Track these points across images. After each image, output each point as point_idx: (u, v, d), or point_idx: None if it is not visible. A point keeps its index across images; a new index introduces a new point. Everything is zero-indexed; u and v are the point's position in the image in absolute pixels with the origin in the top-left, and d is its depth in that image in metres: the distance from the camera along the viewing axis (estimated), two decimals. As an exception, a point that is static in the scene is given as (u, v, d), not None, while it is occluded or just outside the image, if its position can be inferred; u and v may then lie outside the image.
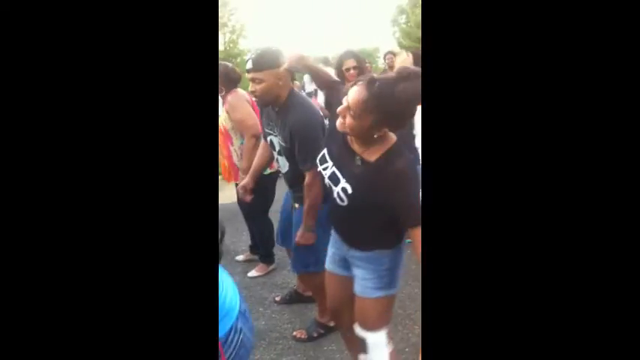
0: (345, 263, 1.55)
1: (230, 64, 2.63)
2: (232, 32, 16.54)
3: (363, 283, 1.43)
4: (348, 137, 1.36)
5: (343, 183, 1.35)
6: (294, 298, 2.53)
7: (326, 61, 4.20)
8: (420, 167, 1.35)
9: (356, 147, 1.34)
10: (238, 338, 0.93)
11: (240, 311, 0.95)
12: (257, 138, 2.40)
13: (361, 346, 1.52)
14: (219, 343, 0.88)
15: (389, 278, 1.41)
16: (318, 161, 1.46)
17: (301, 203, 1.92)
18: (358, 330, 1.50)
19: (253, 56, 1.78)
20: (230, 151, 2.60)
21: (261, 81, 1.77)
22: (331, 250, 1.63)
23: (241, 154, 2.56)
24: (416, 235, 1.21)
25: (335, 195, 1.38)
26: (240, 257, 3.04)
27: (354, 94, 1.20)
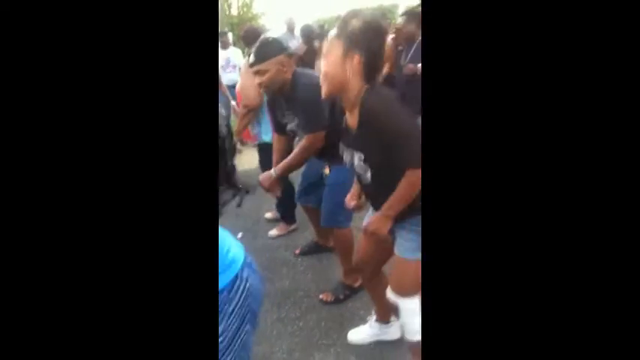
0: None
1: (253, 26, 2.87)
2: (246, -5, 16.21)
3: (406, 244, 1.40)
4: (346, 115, 1.39)
5: (355, 152, 1.38)
6: (313, 249, 2.62)
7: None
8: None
9: (348, 117, 1.38)
10: (244, 286, 0.94)
11: (245, 262, 0.97)
12: (248, 109, 2.58)
13: (394, 310, 1.53)
14: (225, 291, 0.90)
15: None
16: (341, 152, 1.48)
17: (332, 165, 2.00)
18: (391, 295, 1.48)
19: (253, 50, 1.86)
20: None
21: (265, 71, 1.83)
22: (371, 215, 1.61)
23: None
24: (411, 177, 1.24)
25: (360, 172, 1.41)
26: (268, 215, 3.13)
27: (331, 49, 1.27)
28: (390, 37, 3.73)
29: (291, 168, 1.98)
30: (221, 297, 0.91)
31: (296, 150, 1.96)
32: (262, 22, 14.26)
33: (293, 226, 2.94)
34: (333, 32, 1.30)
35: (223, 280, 0.91)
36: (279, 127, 2.16)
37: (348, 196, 1.66)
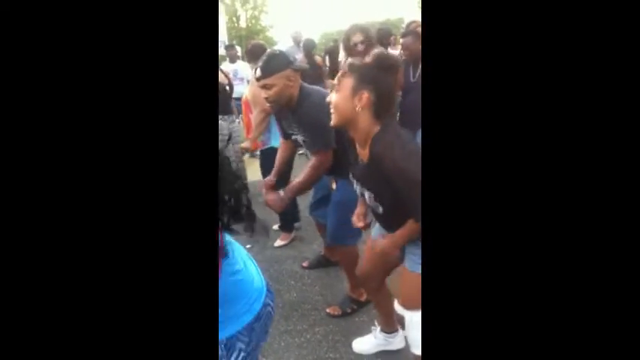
0: None
1: (260, 42, 2.95)
2: (254, 8, 16.41)
3: (415, 258, 1.41)
4: (356, 145, 1.38)
5: (365, 191, 1.40)
6: (321, 263, 2.64)
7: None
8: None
9: (359, 150, 1.37)
10: (266, 311, 1.02)
11: (267, 288, 1.03)
12: (266, 113, 2.61)
13: (400, 323, 1.54)
14: (254, 319, 0.97)
15: None
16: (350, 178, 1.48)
17: (338, 180, 1.99)
18: (398, 308, 1.50)
19: (260, 64, 1.83)
20: (250, 119, 2.89)
21: (272, 86, 1.81)
22: (379, 229, 1.62)
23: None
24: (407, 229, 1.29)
25: (373, 207, 1.43)
26: (275, 226, 3.15)
27: (342, 82, 1.27)
28: (397, 52, 3.76)
29: (300, 190, 1.96)
30: (250, 326, 0.96)
31: (306, 171, 1.92)
32: (270, 34, 14.43)
33: (293, 234, 3.02)
34: (344, 62, 1.33)
35: (253, 311, 0.97)
36: (285, 135, 2.17)
37: (355, 217, 1.63)
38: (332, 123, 1.34)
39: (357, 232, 2.06)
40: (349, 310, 2.18)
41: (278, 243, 2.97)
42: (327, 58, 4.92)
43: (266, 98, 1.89)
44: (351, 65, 1.27)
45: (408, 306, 1.46)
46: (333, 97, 1.31)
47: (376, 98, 1.24)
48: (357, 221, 1.60)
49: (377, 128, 1.27)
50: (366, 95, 1.23)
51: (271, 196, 1.99)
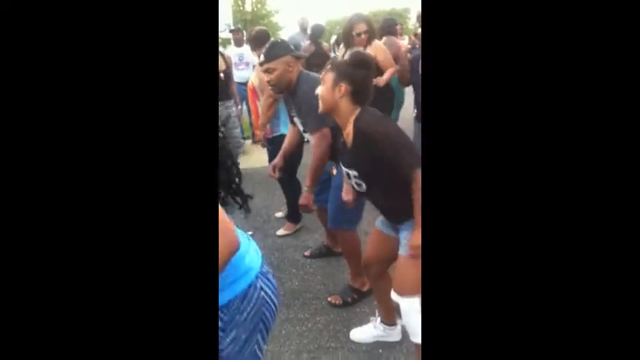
0: (394, 225, 1.63)
1: (263, 28, 3.02)
2: (260, -8, 16.21)
3: (406, 243, 1.48)
4: (342, 130, 1.57)
5: (350, 170, 1.56)
6: (323, 252, 2.65)
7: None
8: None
9: (343, 133, 1.57)
10: (258, 295, 0.95)
11: (261, 271, 0.97)
12: (274, 99, 2.66)
13: (397, 311, 1.56)
14: (237, 300, 0.91)
15: None
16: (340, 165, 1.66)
17: (338, 167, 2.01)
18: (394, 296, 1.54)
19: (264, 50, 2.06)
20: (257, 106, 2.86)
21: (273, 70, 2.02)
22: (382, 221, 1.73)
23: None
24: (416, 178, 1.36)
25: (355, 186, 1.59)
26: (279, 214, 3.14)
27: (326, 77, 1.53)
28: (403, 41, 3.72)
29: (315, 175, 2.04)
30: (233, 305, 0.91)
31: (312, 155, 2.03)
32: (275, 19, 14.29)
33: (299, 225, 2.98)
34: (344, 43, 1.51)
35: (236, 289, 0.92)
36: (291, 119, 2.29)
37: (344, 192, 1.78)
38: (319, 110, 1.58)
39: (356, 218, 2.17)
40: (350, 300, 2.19)
41: (281, 232, 2.95)
42: (335, 46, 4.87)
43: (268, 81, 2.09)
44: (332, 62, 1.58)
45: (401, 292, 1.51)
46: (319, 90, 1.56)
47: (353, 89, 1.49)
48: (345, 195, 1.77)
49: (357, 111, 1.51)
50: (344, 87, 1.49)
51: (301, 199, 2.06)
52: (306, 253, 2.67)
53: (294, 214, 2.94)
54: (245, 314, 0.93)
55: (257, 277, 0.96)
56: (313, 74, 2.13)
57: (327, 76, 1.53)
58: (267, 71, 2.04)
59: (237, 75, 5.19)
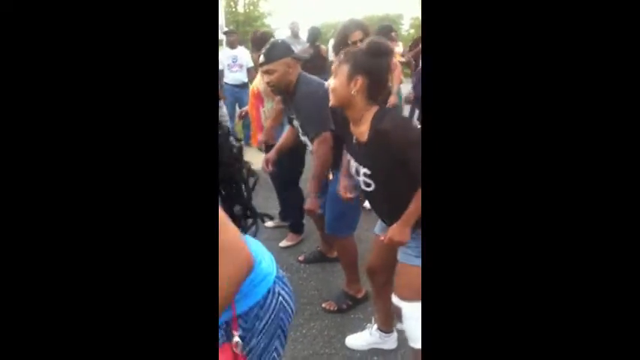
0: None
1: (267, 30, 2.92)
2: (252, -6, 16.18)
3: (406, 250, 1.46)
4: (350, 125, 1.49)
5: (361, 168, 1.47)
6: (317, 258, 2.64)
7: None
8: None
9: (353, 129, 1.48)
10: (277, 302, 0.92)
11: (277, 276, 0.95)
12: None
13: (397, 315, 1.55)
14: (257, 306, 0.88)
15: None
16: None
17: (335, 172, 2.03)
18: (395, 299, 1.52)
19: (264, 51, 2.02)
20: (260, 112, 2.78)
21: (273, 71, 1.99)
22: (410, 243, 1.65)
23: (269, 116, 2.76)
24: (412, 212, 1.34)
25: (362, 185, 1.51)
26: (269, 224, 3.05)
27: (339, 69, 1.40)
28: (398, 48, 3.75)
29: (318, 180, 2.02)
30: (252, 312, 0.88)
31: (314, 161, 2.03)
32: (268, 21, 14.26)
33: (302, 236, 2.91)
34: (339, 52, 1.43)
35: (256, 295, 0.88)
36: (289, 120, 2.28)
37: (342, 189, 1.72)
38: (330, 104, 1.47)
39: (353, 223, 2.15)
40: (344, 306, 2.19)
41: (284, 243, 2.86)
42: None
43: (267, 82, 2.06)
44: (346, 53, 1.42)
45: (404, 296, 1.49)
46: (331, 82, 1.44)
47: (370, 82, 1.37)
48: (343, 193, 1.71)
49: (374, 108, 1.41)
50: (360, 80, 1.37)
51: (307, 204, 2.07)
52: (300, 258, 2.66)
53: (297, 225, 2.87)
54: (264, 321, 0.90)
55: (275, 282, 0.93)
56: (312, 77, 2.11)
57: (342, 68, 1.40)
58: (266, 72, 2.01)
59: (231, 77, 5.17)
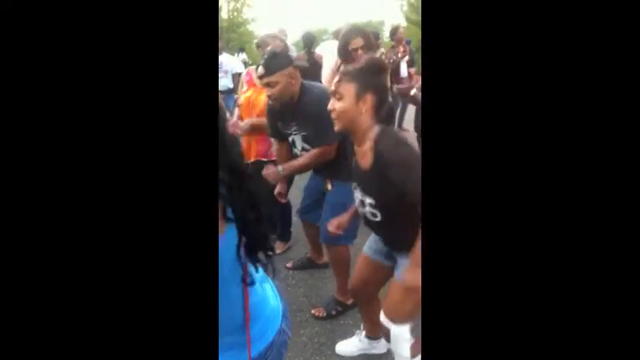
0: (389, 254, 1.55)
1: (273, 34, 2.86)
2: (236, 0, 16.18)
3: (404, 271, 1.41)
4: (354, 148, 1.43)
5: (366, 198, 1.40)
6: (305, 265, 2.61)
7: (337, 35, 4.08)
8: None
9: (356, 150, 1.42)
10: (282, 340, 0.94)
11: (283, 314, 0.96)
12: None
13: (385, 335, 1.54)
14: (267, 350, 0.89)
15: None
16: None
17: (334, 183, 2.00)
18: (384, 319, 1.49)
19: (262, 62, 1.85)
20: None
21: (275, 83, 1.84)
22: (373, 242, 1.63)
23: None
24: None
25: (369, 216, 1.43)
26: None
27: (344, 89, 1.34)
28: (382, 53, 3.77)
29: (297, 169, 1.99)
30: (263, 354, 0.88)
31: (306, 155, 1.96)
32: (251, 28, 14.26)
33: (289, 244, 2.90)
34: (338, 66, 1.39)
35: (268, 337, 0.89)
36: (280, 135, 2.16)
37: (335, 223, 1.64)
38: (336, 128, 1.40)
39: (353, 232, 2.07)
40: (334, 312, 2.18)
41: None
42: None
43: (269, 96, 1.91)
44: (348, 72, 1.36)
45: (391, 317, 1.46)
46: (336, 105, 1.36)
47: (378, 100, 1.34)
48: (333, 228, 1.63)
49: (376, 128, 1.34)
50: (369, 98, 1.32)
51: (270, 169, 1.99)
52: (289, 265, 2.65)
53: (284, 234, 2.87)
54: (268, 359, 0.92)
55: (281, 322, 0.94)
56: (315, 83, 2.02)
57: (347, 88, 1.33)
58: (267, 85, 1.86)
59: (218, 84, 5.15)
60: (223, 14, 14.76)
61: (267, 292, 0.95)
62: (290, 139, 2.08)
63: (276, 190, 2.26)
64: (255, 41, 2.61)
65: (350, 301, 2.19)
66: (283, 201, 2.34)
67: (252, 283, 0.85)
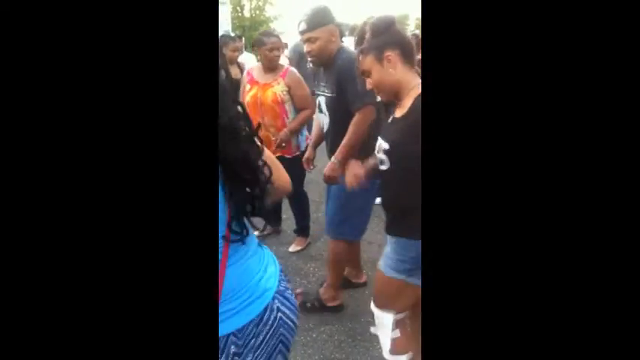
0: (397, 262, 1.42)
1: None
2: (258, -1, 16.25)
3: (385, 259, 1.42)
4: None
5: (383, 143, 1.35)
6: (316, 308, 2.23)
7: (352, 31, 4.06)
8: None
9: (397, 106, 1.38)
10: (275, 317, 0.92)
11: (277, 290, 0.94)
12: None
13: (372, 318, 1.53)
14: (252, 324, 0.89)
15: (410, 265, 1.33)
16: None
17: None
18: (372, 305, 1.50)
19: (305, 17, 1.82)
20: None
21: (316, 39, 1.81)
22: (391, 254, 1.49)
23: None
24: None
25: (378, 162, 1.40)
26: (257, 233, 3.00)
27: (367, 65, 1.32)
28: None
29: (351, 151, 1.81)
30: (247, 330, 0.89)
31: (351, 129, 1.82)
32: (274, 25, 14.30)
33: (309, 240, 2.88)
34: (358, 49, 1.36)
35: (250, 313, 0.89)
36: (315, 94, 2.11)
37: (350, 175, 1.52)
38: (384, 100, 1.38)
39: (360, 227, 2.02)
40: (309, 305, 2.15)
41: (293, 248, 2.82)
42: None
43: (308, 52, 1.88)
44: (362, 49, 1.34)
45: (377, 304, 1.47)
46: (369, 83, 1.34)
47: (401, 51, 1.29)
48: (350, 177, 1.51)
49: (418, 82, 1.29)
50: (392, 55, 1.28)
51: (327, 169, 1.87)
52: (298, 292, 2.30)
53: (304, 229, 2.85)
54: (261, 337, 0.90)
55: (273, 298, 0.92)
56: (349, 48, 1.92)
57: (368, 61, 1.32)
58: (308, 40, 1.82)
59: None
60: (245, 12, 14.88)
61: (261, 269, 0.93)
62: (317, 100, 2.02)
63: (305, 156, 2.21)
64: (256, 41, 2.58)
65: (332, 303, 2.15)
66: (311, 167, 2.24)
67: (236, 240, 0.83)
